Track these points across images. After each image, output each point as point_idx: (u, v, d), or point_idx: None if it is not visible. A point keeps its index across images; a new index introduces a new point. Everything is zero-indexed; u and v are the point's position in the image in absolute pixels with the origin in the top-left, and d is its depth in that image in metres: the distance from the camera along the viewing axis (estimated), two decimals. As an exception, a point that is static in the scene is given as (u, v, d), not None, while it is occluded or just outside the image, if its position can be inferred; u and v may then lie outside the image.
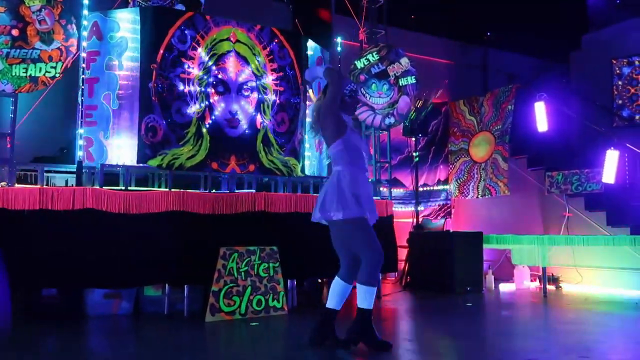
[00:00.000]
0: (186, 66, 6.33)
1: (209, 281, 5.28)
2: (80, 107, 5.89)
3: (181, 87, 6.29)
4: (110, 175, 5.78)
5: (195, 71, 6.38)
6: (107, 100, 6.19)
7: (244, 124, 6.62)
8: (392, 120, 7.77)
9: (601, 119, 9.87)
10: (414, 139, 9.02)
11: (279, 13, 8.98)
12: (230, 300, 5.30)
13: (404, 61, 7.75)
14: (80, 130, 5.85)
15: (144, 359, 4.05)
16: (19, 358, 3.84)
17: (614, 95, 10.19)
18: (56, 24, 5.60)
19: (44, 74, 5.55)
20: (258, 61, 6.78)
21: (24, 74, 5.49)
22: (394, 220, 7.17)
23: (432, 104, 7.86)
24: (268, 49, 6.89)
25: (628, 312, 5.98)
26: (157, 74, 6.18)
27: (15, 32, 5.42)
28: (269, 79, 6.86)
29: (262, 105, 6.77)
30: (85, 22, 5.92)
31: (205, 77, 6.43)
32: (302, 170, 7.20)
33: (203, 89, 6.41)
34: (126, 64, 6.22)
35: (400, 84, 7.72)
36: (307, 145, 7.35)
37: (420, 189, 9.60)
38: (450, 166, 9.89)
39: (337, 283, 4.08)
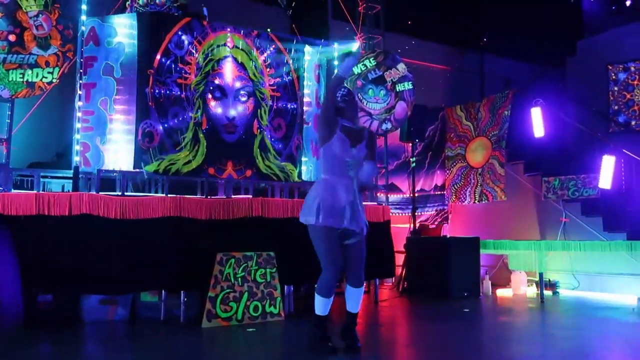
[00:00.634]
0: (183, 71, 6.33)
1: (205, 287, 5.27)
2: (77, 112, 5.88)
3: (178, 93, 6.29)
4: (107, 181, 5.77)
5: (192, 76, 6.38)
6: (103, 106, 6.19)
7: (240, 130, 6.62)
8: (389, 125, 7.77)
9: (597, 124, 9.90)
10: (410, 144, 9.03)
11: (276, 18, 8.99)
12: (227, 306, 5.29)
13: (401, 67, 7.75)
14: (77, 136, 5.84)
15: (140, 365, 4.03)
16: (14, 365, 3.82)
17: (609, 101, 10.23)
18: (53, 29, 5.59)
19: (41, 79, 5.54)
20: (255, 66, 6.79)
21: (21, 79, 5.48)
22: (391, 225, 7.16)
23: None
24: (265, 54, 6.89)
25: (625, 317, 5.98)
26: (154, 79, 6.18)
27: (12, 38, 5.41)
28: (266, 85, 6.87)
29: (259, 110, 6.77)
30: (82, 28, 5.91)
31: (202, 82, 6.43)
32: (299, 175, 7.20)
33: (200, 95, 6.41)
34: (123, 69, 6.22)
35: (397, 90, 7.73)
36: (304, 150, 7.35)
37: (417, 194, 9.60)
38: (447, 171, 9.90)
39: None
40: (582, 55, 11.17)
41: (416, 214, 9.03)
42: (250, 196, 6.12)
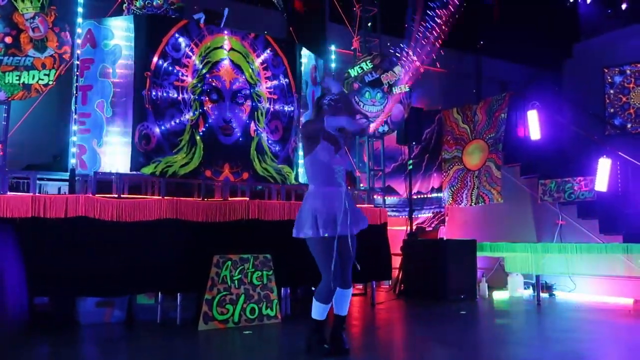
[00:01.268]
0: (180, 74, 6.33)
1: (202, 289, 5.26)
2: (73, 114, 5.88)
3: (175, 95, 6.29)
4: (103, 183, 5.76)
5: (189, 79, 6.38)
6: (100, 108, 6.18)
7: (237, 132, 6.62)
8: (386, 128, 7.79)
9: (593, 127, 9.94)
10: (407, 146, 9.04)
11: (273, 21, 9.01)
12: (223, 308, 5.28)
13: (398, 69, 7.78)
14: (74, 138, 5.83)
15: (137, 367, 4.03)
16: (10, 367, 3.81)
17: (605, 104, 10.27)
18: (50, 31, 5.59)
19: (37, 82, 5.54)
20: (252, 69, 6.79)
21: (17, 82, 5.48)
22: (388, 228, 7.17)
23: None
24: (262, 57, 6.90)
25: (621, 319, 5.99)
26: (151, 81, 6.18)
27: (8, 40, 5.41)
28: (263, 87, 6.87)
29: (255, 113, 6.77)
30: (79, 30, 5.92)
31: (199, 84, 6.43)
32: (296, 178, 7.20)
33: (197, 97, 6.41)
34: (120, 71, 6.22)
35: (394, 92, 7.74)
36: (300, 153, 7.35)
37: (414, 196, 9.61)
38: (444, 174, 9.92)
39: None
40: (579, 58, 11.22)
41: (413, 216, 9.04)
42: (247, 198, 6.12)
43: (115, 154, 6.15)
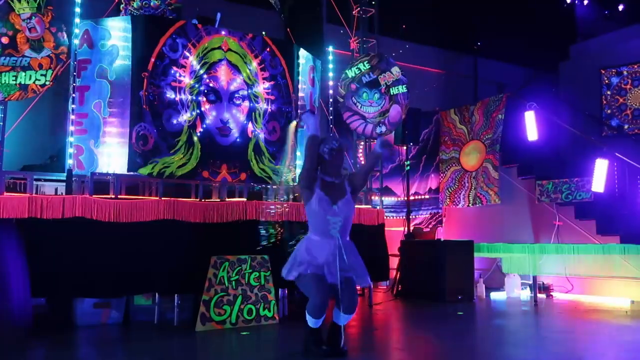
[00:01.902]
0: (177, 74, 6.32)
1: (199, 290, 5.25)
2: (70, 115, 5.86)
3: (172, 96, 6.28)
4: (101, 184, 5.75)
5: (186, 79, 6.37)
6: (97, 109, 6.16)
7: (235, 133, 6.61)
8: (384, 129, 7.79)
9: (590, 128, 9.96)
10: (405, 147, 9.04)
11: (270, 22, 9.00)
12: (220, 309, 5.27)
13: (395, 70, 7.78)
14: (71, 139, 5.82)
15: (134, 369, 4.02)
16: (6, 368, 3.80)
17: (603, 105, 10.29)
18: (46, 31, 5.57)
19: (34, 82, 5.52)
20: (249, 70, 6.78)
21: (14, 82, 5.45)
22: (385, 228, 7.17)
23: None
24: (260, 57, 6.89)
25: (618, 320, 6.00)
26: (148, 82, 6.17)
27: (5, 40, 5.39)
28: (261, 88, 6.86)
29: (253, 113, 6.76)
30: (76, 30, 5.90)
31: (196, 85, 6.42)
32: (294, 179, 7.19)
33: (194, 98, 6.40)
34: (117, 72, 6.20)
35: (392, 93, 7.75)
36: (298, 153, 7.34)
37: (412, 197, 9.61)
38: (442, 175, 9.92)
39: None
40: (576, 59, 11.24)
41: (410, 217, 9.04)
42: (245, 199, 6.11)
43: (112, 154, 6.13)
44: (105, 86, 6.19)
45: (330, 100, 7.72)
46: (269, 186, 6.65)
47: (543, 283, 7.84)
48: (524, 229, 8.81)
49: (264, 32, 7.33)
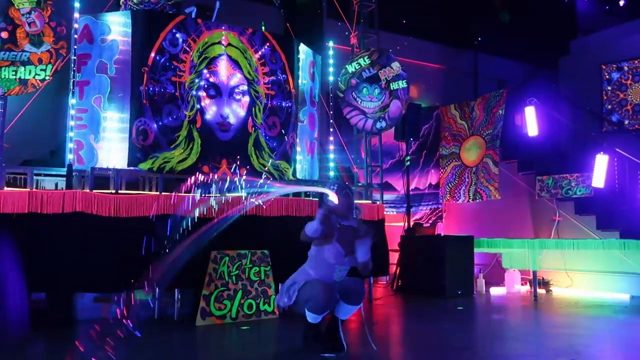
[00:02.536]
0: (177, 69, 6.31)
1: (199, 285, 5.26)
2: (70, 110, 5.86)
3: (172, 91, 6.27)
4: (101, 179, 5.74)
5: (186, 74, 6.36)
6: (97, 104, 6.16)
7: (235, 128, 6.60)
8: (384, 124, 7.78)
9: (591, 123, 9.95)
10: (405, 143, 9.04)
11: (270, 17, 8.98)
12: (221, 304, 5.28)
13: (395, 65, 7.77)
14: (71, 134, 5.81)
15: (134, 363, 4.02)
16: (7, 363, 3.80)
17: (603, 100, 10.27)
18: (46, 26, 5.56)
19: (34, 77, 5.51)
20: (250, 65, 6.77)
21: (14, 77, 5.45)
22: (386, 224, 7.17)
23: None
24: (260, 52, 6.88)
25: (618, 315, 6.01)
26: (148, 77, 6.16)
27: (4, 35, 5.38)
28: (261, 83, 6.85)
29: (253, 109, 6.76)
30: (75, 25, 5.88)
31: (196, 80, 6.41)
32: (294, 174, 7.19)
33: (194, 93, 6.39)
34: (117, 67, 6.19)
35: (392, 88, 7.74)
36: (298, 149, 7.34)
37: (412, 193, 9.61)
38: (442, 170, 9.92)
39: None
40: (576, 55, 11.22)
41: (410, 212, 9.04)
42: (245, 194, 6.11)
43: (112, 149, 6.13)
44: (105, 81, 6.18)
45: (331, 95, 7.71)
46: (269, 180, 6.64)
47: (543, 278, 7.85)
48: (524, 224, 8.81)
49: (263, 27, 7.32)
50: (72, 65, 5.87)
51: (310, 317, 4.06)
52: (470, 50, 11.85)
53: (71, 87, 5.87)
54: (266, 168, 6.63)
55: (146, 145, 6.11)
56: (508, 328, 5.59)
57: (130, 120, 6.12)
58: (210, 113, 6.47)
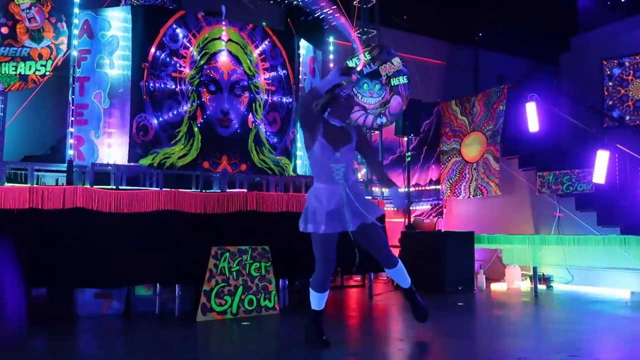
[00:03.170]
0: (178, 65, 6.31)
1: (200, 281, 5.26)
2: (71, 105, 5.85)
3: (172, 86, 6.27)
4: (101, 175, 5.75)
5: (186, 70, 6.35)
6: (98, 99, 6.16)
7: (235, 124, 6.60)
8: (384, 120, 7.77)
9: (592, 119, 9.93)
10: (406, 138, 9.03)
11: (271, 12, 8.97)
12: (221, 299, 5.28)
13: (396, 61, 7.76)
14: (71, 129, 5.81)
15: (135, 359, 4.03)
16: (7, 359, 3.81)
17: (604, 96, 10.25)
18: (46, 22, 5.56)
19: (34, 72, 5.51)
20: (250, 60, 6.77)
21: (14, 72, 5.44)
22: (386, 220, 7.16)
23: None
24: (260, 48, 6.87)
25: (618, 311, 6.01)
26: (148, 72, 6.16)
27: (4, 30, 5.38)
28: (261, 79, 6.85)
29: (253, 104, 6.75)
30: (76, 21, 5.88)
31: (197, 76, 6.41)
32: (294, 169, 7.19)
33: (195, 88, 6.39)
34: (117, 62, 6.19)
35: (392, 84, 7.73)
36: (299, 144, 7.34)
37: (412, 188, 9.61)
38: (442, 166, 9.91)
39: None
40: (577, 50, 11.19)
41: (411, 208, 9.04)
42: (245, 190, 6.11)
43: (112, 145, 6.14)
44: (105, 77, 6.18)
45: (331, 91, 7.69)
46: (269, 177, 6.65)
47: (543, 274, 7.85)
48: (524, 220, 8.81)
49: (264, 23, 7.31)
50: (73, 60, 5.87)
51: (314, 298, 4.08)
52: (471, 46, 11.83)
53: (71, 83, 5.87)
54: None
55: (146, 141, 6.11)
56: (508, 324, 5.59)
57: (130, 115, 6.12)
58: (211, 109, 6.46)
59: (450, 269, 7.30)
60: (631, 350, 4.32)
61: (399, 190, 4.34)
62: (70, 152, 5.71)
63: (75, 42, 5.86)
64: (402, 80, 7.71)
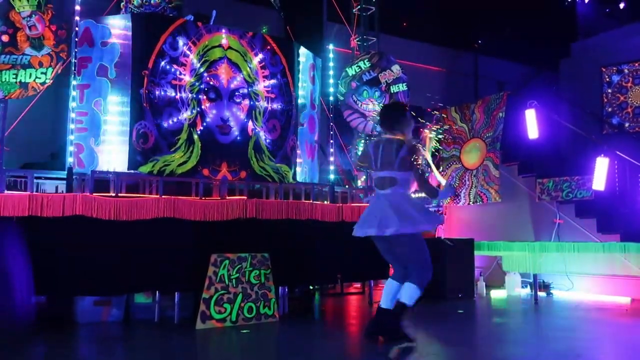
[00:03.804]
0: (178, 73, 6.32)
1: (199, 288, 5.25)
2: (70, 113, 5.86)
3: (172, 94, 6.28)
4: (101, 182, 5.75)
5: (186, 78, 6.36)
6: (98, 107, 6.17)
7: (235, 131, 6.61)
8: (384, 127, 7.77)
9: (591, 126, 9.94)
10: (405, 145, 9.02)
11: (270, 20, 9.00)
12: (221, 307, 5.28)
13: (395, 68, 7.78)
14: (71, 137, 5.81)
15: (134, 366, 4.02)
16: (6, 366, 3.80)
17: (603, 103, 10.27)
18: (46, 29, 5.57)
19: (34, 80, 5.52)
20: (250, 68, 6.78)
21: (14, 80, 5.45)
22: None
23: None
24: (260, 55, 6.89)
25: (618, 318, 6.00)
26: (148, 80, 6.17)
27: (5, 38, 5.39)
28: (261, 86, 6.86)
29: (253, 112, 6.76)
30: (76, 28, 5.89)
31: (196, 83, 6.42)
32: (294, 177, 7.19)
33: (194, 96, 6.40)
34: (117, 70, 6.20)
35: (392, 91, 7.74)
36: (298, 152, 7.34)
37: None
38: (442, 173, 9.91)
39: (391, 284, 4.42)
40: (576, 57, 11.22)
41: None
42: (245, 197, 6.12)
43: (112, 152, 6.14)
44: (106, 84, 6.19)
45: (331, 98, 7.71)
46: (268, 184, 6.65)
47: (543, 281, 7.84)
48: (524, 227, 8.80)
49: (264, 30, 7.33)
50: (73, 68, 5.88)
51: (417, 294, 4.23)
52: (470, 52, 11.86)
53: (71, 91, 5.88)
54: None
55: (146, 149, 6.11)
56: (508, 331, 5.58)
57: (130, 123, 6.12)
58: (211, 116, 6.47)
59: (450, 276, 7.29)
60: (631, 357, 4.31)
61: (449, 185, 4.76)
62: (70, 160, 5.71)
63: (75, 49, 5.87)
64: (402, 87, 7.73)
